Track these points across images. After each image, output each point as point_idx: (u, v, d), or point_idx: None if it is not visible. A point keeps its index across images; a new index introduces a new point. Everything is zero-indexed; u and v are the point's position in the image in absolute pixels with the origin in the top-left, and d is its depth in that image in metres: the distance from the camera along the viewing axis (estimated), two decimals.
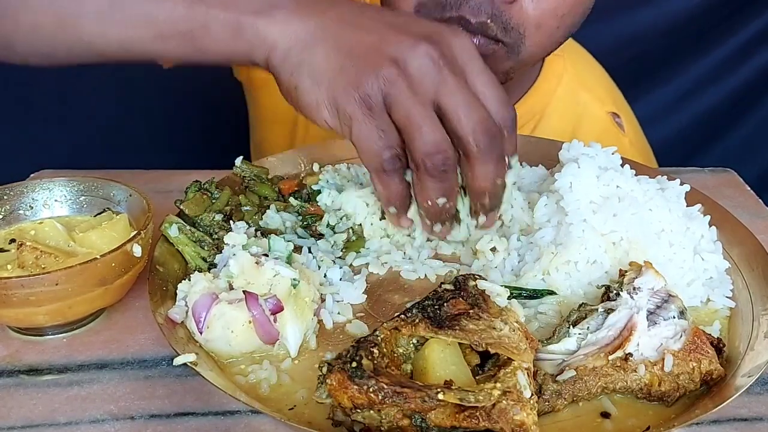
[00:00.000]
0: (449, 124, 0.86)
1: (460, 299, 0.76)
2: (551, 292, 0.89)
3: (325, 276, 0.93)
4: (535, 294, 0.88)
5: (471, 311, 0.74)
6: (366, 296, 0.92)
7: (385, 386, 0.65)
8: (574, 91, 1.40)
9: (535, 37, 1.10)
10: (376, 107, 0.85)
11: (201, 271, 0.89)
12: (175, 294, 0.85)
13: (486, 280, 0.81)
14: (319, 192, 1.07)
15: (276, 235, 0.95)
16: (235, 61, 0.95)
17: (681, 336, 0.77)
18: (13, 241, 0.90)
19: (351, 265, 0.98)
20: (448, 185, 0.89)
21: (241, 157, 1.09)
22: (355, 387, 0.65)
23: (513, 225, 0.99)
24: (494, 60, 1.09)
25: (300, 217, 1.03)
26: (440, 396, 0.64)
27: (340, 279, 0.94)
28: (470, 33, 1.05)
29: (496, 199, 0.93)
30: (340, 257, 0.99)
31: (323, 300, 0.89)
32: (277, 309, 0.80)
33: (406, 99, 0.84)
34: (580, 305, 0.83)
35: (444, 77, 0.85)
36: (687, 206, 0.96)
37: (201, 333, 0.79)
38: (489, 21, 1.05)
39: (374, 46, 0.86)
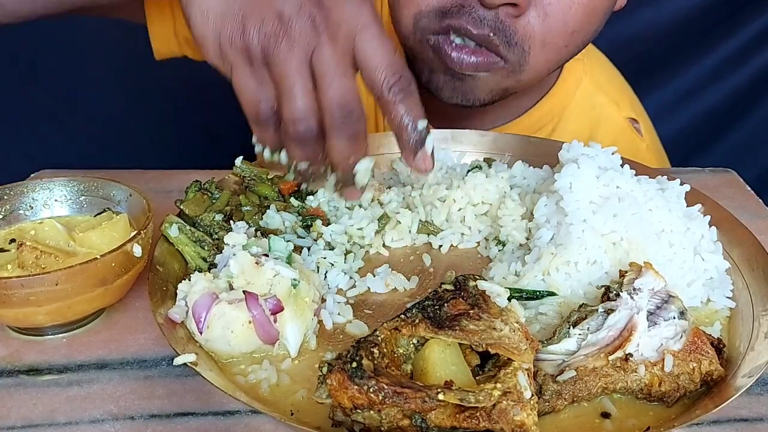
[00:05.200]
0: (317, 93, 0.84)
1: (460, 299, 0.76)
2: (551, 293, 0.88)
3: (324, 278, 0.93)
4: (536, 295, 0.88)
5: (471, 311, 0.74)
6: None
7: (386, 386, 0.65)
8: (592, 95, 1.39)
9: (540, 54, 1.05)
10: (255, 60, 0.83)
11: (201, 271, 0.88)
12: (175, 294, 0.85)
13: (486, 280, 0.81)
14: (314, 192, 1.07)
15: (276, 235, 0.95)
16: None
17: (681, 336, 0.77)
18: (13, 241, 0.89)
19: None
20: (310, 152, 0.86)
21: (241, 157, 1.09)
22: (356, 387, 0.65)
23: (510, 240, 1.00)
24: (493, 77, 1.07)
25: (300, 217, 1.03)
26: (440, 396, 0.64)
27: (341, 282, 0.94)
28: (470, 50, 1.01)
29: (348, 178, 0.88)
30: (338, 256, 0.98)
31: (323, 300, 0.89)
32: (277, 309, 0.80)
33: (283, 59, 0.82)
34: (581, 306, 0.83)
35: (321, 42, 0.82)
36: (687, 206, 0.96)
37: (201, 333, 0.79)
38: (491, 34, 1.01)
39: None
